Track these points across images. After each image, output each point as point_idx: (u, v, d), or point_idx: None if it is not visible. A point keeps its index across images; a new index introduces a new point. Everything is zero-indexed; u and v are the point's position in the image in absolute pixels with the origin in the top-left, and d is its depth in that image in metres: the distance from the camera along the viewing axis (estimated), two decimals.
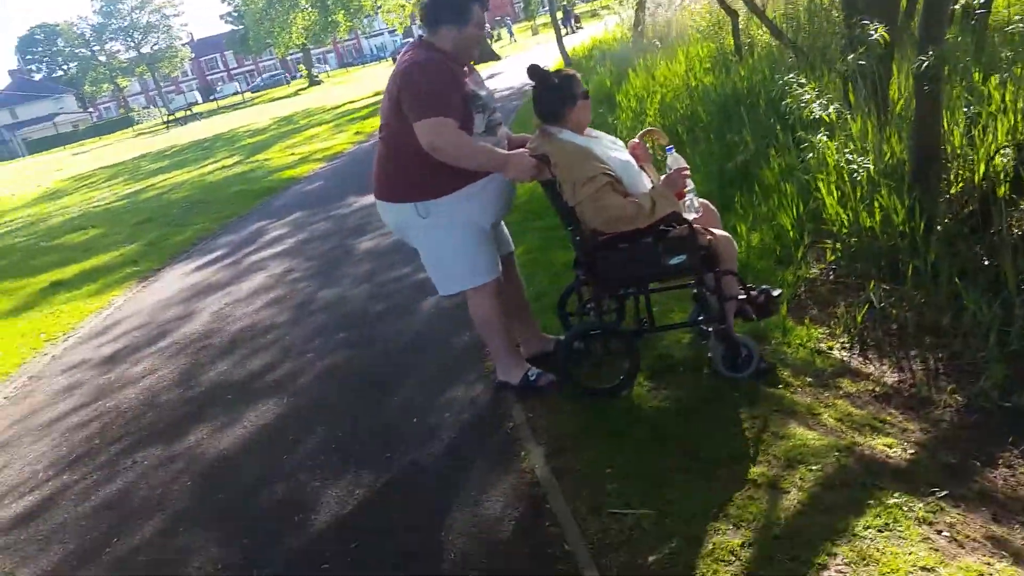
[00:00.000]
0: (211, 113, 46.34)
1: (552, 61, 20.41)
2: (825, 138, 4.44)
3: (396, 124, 3.00)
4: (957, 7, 4.48)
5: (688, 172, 2.98)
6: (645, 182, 3.02)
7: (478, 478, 2.80)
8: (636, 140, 3.30)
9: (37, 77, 77.03)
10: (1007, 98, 4.38)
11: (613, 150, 3.02)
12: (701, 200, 3.20)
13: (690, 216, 2.98)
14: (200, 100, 63.73)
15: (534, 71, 3.07)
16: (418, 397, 3.53)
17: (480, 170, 3.00)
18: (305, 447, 3.28)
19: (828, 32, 8.02)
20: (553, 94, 3.02)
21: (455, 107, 2.89)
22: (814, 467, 2.48)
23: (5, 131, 69.76)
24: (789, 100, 4.93)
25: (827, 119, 4.51)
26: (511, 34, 47.42)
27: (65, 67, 74.52)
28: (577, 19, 36.24)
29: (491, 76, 22.26)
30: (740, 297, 3.07)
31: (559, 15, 20.34)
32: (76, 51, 72.34)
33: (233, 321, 5.18)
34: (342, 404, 3.63)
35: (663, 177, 2.98)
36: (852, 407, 2.96)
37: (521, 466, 2.82)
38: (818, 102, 4.49)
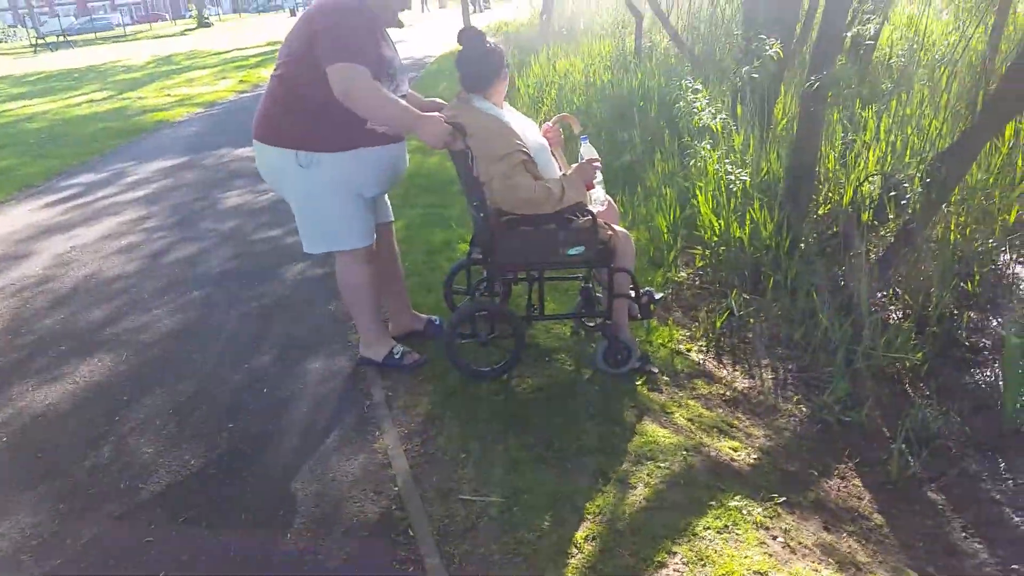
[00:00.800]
0: (87, 43, 43.19)
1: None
2: (708, 147, 4.54)
3: (299, 65, 2.78)
4: (847, 36, 4.66)
5: (599, 164, 2.96)
6: (555, 168, 2.97)
7: (326, 457, 2.67)
8: (550, 124, 3.23)
9: None
10: (881, 128, 4.62)
11: (529, 130, 2.95)
12: (606, 196, 3.19)
13: (595, 208, 2.96)
14: (76, 26, 59.16)
15: (468, 34, 2.92)
16: (272, 367, 3.35)
17: (389, 125, 2.82)
18: (140, 410, 3.04)
19: (725, 45, 8.29)
20: (485, 61, 2.89)
21: (371, 60, 2.72)
22: (662, 464, 2.51)
23: None
24: (681, 105, 5.02)
25: (714, 128, 4.62)
26: (424, 4, 46.62)
27: None
28: None
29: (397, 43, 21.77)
30: (630, 296, 3.07)
31: None
32: None
33: (77, 266, 4.77)
34: (187, 367, 3.39)
35: (574, 166, 2.94)
36: (703, 408, 3.02)
37: (374, 446, 2.71)
38: (707, 110, 4.58)
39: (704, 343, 3.63)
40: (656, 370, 3.15)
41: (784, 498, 2.51)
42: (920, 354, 3.45)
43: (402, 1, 2.94)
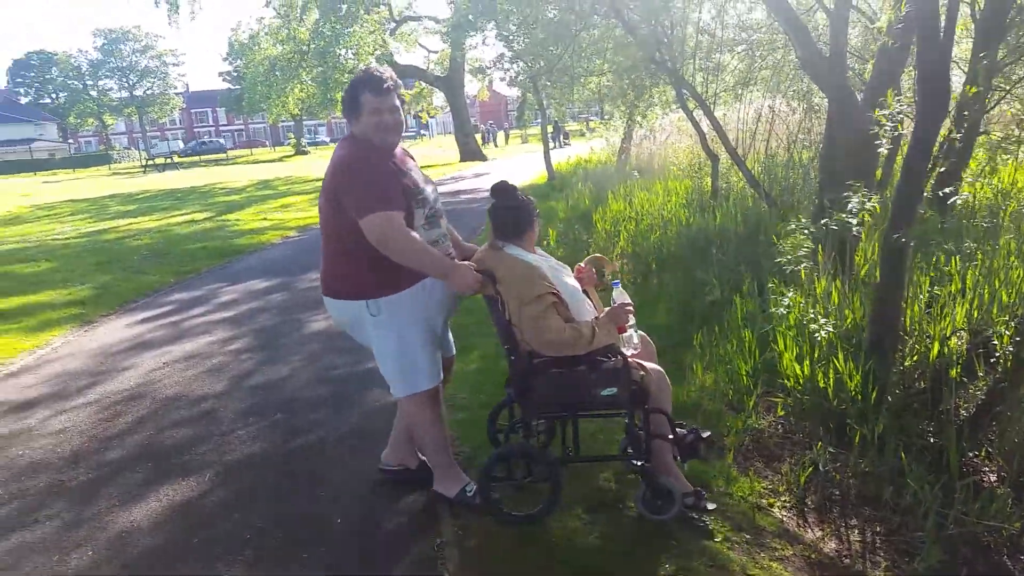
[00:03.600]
0: (192, 165, 46.40)
1: (536, 172, 20.93)
2: (791, 294, 4.52)
3: (336, 220, 2.93)
4: (928, 183, 4.67)
5: (632, 308, 2.98)
6: (588, 310, 3.02)
7: None
8: (583, 264, 3.30)
9: (23, 100, 76.85)
10: (967, 282, 4.52)
11: (561, 273, 3.04)
12: (640, 333, 3.20)
13: (628, 351, 2.96)
14: (182, 149, 63.83)
15: (501, 187, 3.08)
16: (347, 496, 3.37)
17: (423, 271, 2.93)
18: (218, 534, 3.08)
19: (803, 189, 8.37)
20: (518, 211, 3.03)
21: (398, 199, 2.84)
22: None
23: None
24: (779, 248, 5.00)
25: (801, 275, 4.61)
26: (495, 140, 48.71)
27: (54, 95, 74.55)
28: (566, 135, 37.54)
29: (477, 175, 22.69)
30: (669, 437, 3.02)
31: (549, 129, 20.90)
32: (68, 82, 72.53)
33: (167, 384, 4.97)
34: (265, 493, 3.44)
35: (607, 310, 2.98)
36: (786, 572, 2.87)
37: None
38: (788, 257, 4.59)
39: (788, 498, 3.49)
40: (712, 506, 3.05)
41: None
42: (1019, 523, 3.24)
43: (377, 130, 2.94)
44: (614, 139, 18.76)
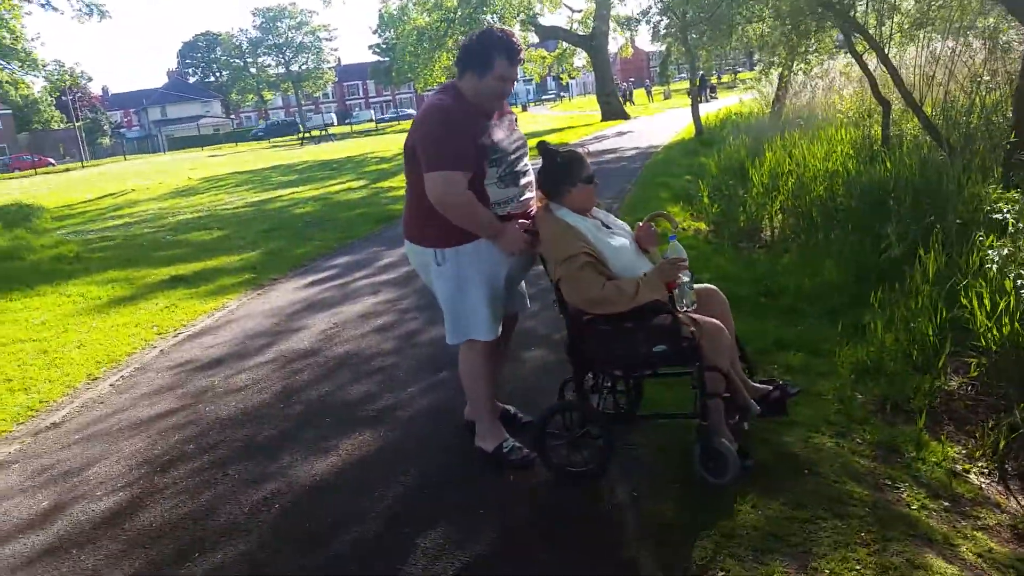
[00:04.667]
0: (344, 136, 48.33)
1: (683, 127, 20.31)
2: (1000, 249, 4.10)
3: (412, 169, 3.06)
4: None
5: (686, 263, 2.87)
6: (642, 268, 2.93)
7: (571, 556, 2.64)
8: (642, 223, 3.20)
9: (191, 80, 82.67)
10: None
11: (607, 233, 2.99)
12: (710, 287, 3.14)
13: (681, 307, 2.86)
14: (336, 122, 66.64)
15: (542, 147, 3.10)
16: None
17: (475, 231, 3.02)
18: (397, 487, 3.19)
19: (986, 134, 7.62)
20: (555, 172, 3.03)
21: (465, 158, 2.91)
22: None
23: (154, 126, 74.97)
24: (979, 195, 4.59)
25: (1012, 225, 4.20)
26: (631, 98, 47.58)
27: (218, 74, 79.67)
28: (712, 89, 36.13)
29: (620, 134, 22.31)
30: (725, 395, 2.91)
31: (695, 83, 20.17)
32: (231, 61, 77.24)
33: (340, 343, 5.20)
34: (438, 446, 3.54)
35: (657, 264, 2.91)
36: (992, 542, 2.64)
37: (622, 556, 2.62)
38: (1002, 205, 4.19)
39: (985, 464, 3.22)
40: (751, 463, 2.92)
41: None
42: None
43: (492, 94, 3.04)
44: (767, 90, 17.86)
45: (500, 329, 3.25)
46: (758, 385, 3.16)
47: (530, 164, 3.21)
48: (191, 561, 2.79)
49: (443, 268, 3.10)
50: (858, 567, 2.39)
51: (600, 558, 2.61)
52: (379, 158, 24.02)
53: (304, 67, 76.80)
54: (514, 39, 3.02)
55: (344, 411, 4.03)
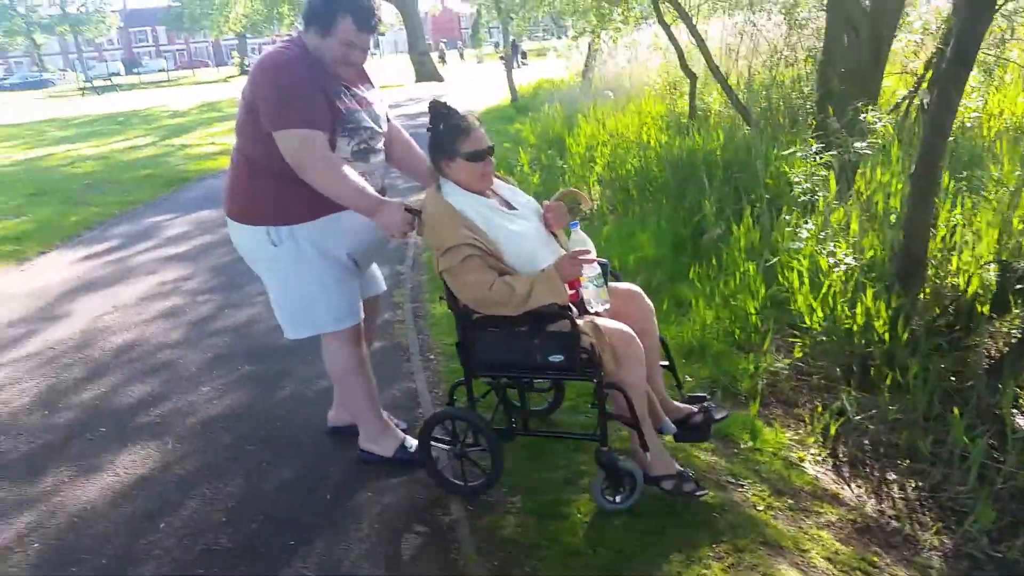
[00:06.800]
0: (132, 87, 44.22)
1: (497, 94, 20.19)
2: (810, 226, 4.16)
3: (251, 132, 2.56)
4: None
5: (591, 256, 2.44)
6: (550, 254, 2.55)
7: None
8: (550, 202, 2.75)
9: None
10: (989, 214, 4.19)
11: (506, 216, 2.53)
12: (632, 288, 2.76)
13: (593, 309, 2.51)
14: (123, 72, 60.83)
15: (432, 105, 2.60)
16: (333, 464, 2.97)
17: (344, 205, 2.55)
18: (186, 515, 2.67)
19: (785, 109, 7.98)
20: (434, 139, 2.54)
21: (321, 120, 2.46)
22: None
23: None
24: (785, 170, 4.65)
25: (818, 204, 4.26)
26: (461, 57, 47.17)
27: None
28: (524, 55, 36.32)
29: (436, 97, 21.80)
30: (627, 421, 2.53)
31: (508, 49, 20.09)
32: None
33: (115, 332, 4.47)
34: (238, 461, 3.02)
35: (556, 260, 2.45)
36: (838, 543, 2.58)
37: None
38: (803, 185, 4.24)
39: (817, 451, 3.20)
40: (702, 493, 2.55)
41: None
42: None
43: (335, 60, 2.57)
44: (577, 59, 18.06)
45: (361, 313, 2.81)
46: (680, 405, 2.82)
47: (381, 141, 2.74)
48: None
49: (280, 250, 2.61)
50: None
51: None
52: (171, 112, 22.02)
53: (83, 8, 69.22)
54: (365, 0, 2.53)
55: (122, 418, 3.41)
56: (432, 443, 2.72)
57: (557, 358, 2.43)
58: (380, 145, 2.74)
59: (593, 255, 2.46)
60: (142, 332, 4.45)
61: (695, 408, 2.79)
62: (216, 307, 4.80)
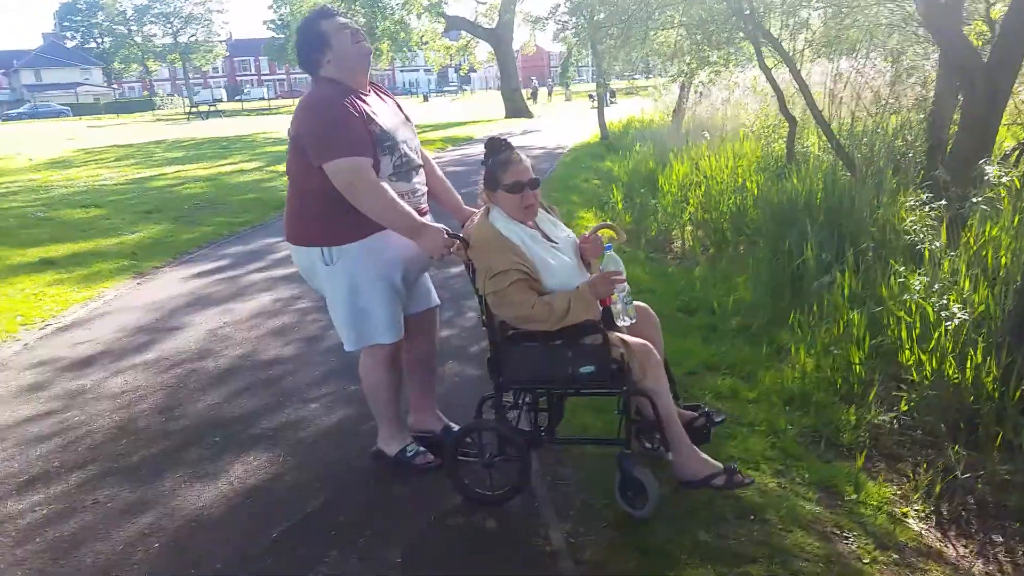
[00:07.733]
0: (234, 113, 46.32)
1: (587, 131, 20.35)
2: (922, 277, 4.08)
3: (296, 165, 2.81)
4: None
5: (622, 277, 2.67)
6: (579, 282, 2.73)
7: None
8: (587, 234, 2.99)
9: (70, 44, 77.35)
10: None
11: (546, 247, 2.77)
12: (641, 305, 2.93)
13: (621, 324, 2.70)
14: (225, 98, 63.86)
15: (489, 141, 2.87)
16: (439, 485, 3.03)
17: (390, 228, 2.76)
18: (298, 523, 2.80)
19: (886, 157, 7.81)
20: (487, 170, 2.82)
21: (362, 144, 2.67)
22: None
23: (27, 91, 69.78)
24: (892, 219, 4.58)
25: (927, 254, 4.17)
26: (549, 94, 47.67)
27: (99, 40, 74.84)
28: (613, 93, 36.53)
29: (526, 132, 22.15)
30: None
31: (602, 87, 20.26)
32: (114, 27, 72.70)
33: (231, 345, 4.70)
34: (348, 476, 3.13)
35: (591, 278, 2.71)
36: None
37: None
38: (916, 236, 4.16)
39: (921, 507, 3.12)
40: (750, 480, 2.72)
41: None
42: None
43: (358, 59, 2.85)
44: (668, 98, 18.07)
45: (402, 330, 3.00)
46: (683, 411, 2.99)
47: (419, 157, 2.98)
48: None
49: (333, 268, 2.84)
50: None
51: None
52: (273, 139, 22.97)
53: (193, 39, 73.14)
54: (318, 8, 2.89)
55: (237, 428, 3.58)
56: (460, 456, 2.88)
57: (588, 369, 2.63)
58: (417, 158, 2.95)
59: (623, 276, 2.68)
60: (255, 347, 4.66)
61: (695, 413, 3.01)
62: (324, 327, 4.95)
